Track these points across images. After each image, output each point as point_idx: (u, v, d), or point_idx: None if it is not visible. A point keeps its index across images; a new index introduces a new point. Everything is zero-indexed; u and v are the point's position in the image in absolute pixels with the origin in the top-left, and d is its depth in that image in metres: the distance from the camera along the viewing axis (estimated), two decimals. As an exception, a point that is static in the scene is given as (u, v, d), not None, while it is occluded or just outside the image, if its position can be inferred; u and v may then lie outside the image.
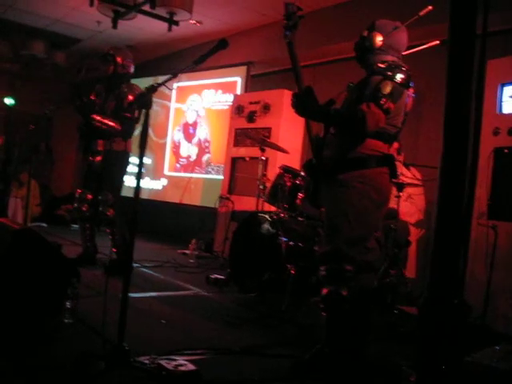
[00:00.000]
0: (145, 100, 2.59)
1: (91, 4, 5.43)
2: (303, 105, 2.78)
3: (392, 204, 4.52)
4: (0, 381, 2.33)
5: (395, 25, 2.95)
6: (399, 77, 2.75)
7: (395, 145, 4.65)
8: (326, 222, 2.94)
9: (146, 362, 2.50)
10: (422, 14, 2.92)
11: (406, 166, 4.86)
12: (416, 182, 4.77)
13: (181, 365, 2.51)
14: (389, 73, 2.75)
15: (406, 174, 4.76)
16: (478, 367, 2.63)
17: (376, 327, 3.63)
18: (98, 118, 5.00)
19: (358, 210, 2.79)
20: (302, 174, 4.52)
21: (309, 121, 3.05)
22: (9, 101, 8.34)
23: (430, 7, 2.91)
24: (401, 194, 4.45)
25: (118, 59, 5.13)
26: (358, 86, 2.93)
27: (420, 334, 1.21)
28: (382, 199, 2.92)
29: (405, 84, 2.79)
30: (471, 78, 1.21)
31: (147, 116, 2.51)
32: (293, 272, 4.21)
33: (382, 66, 2.82)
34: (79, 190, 5.29)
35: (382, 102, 2.69)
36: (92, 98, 5.27)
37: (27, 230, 3.49)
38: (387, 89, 2.72)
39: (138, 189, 2.58)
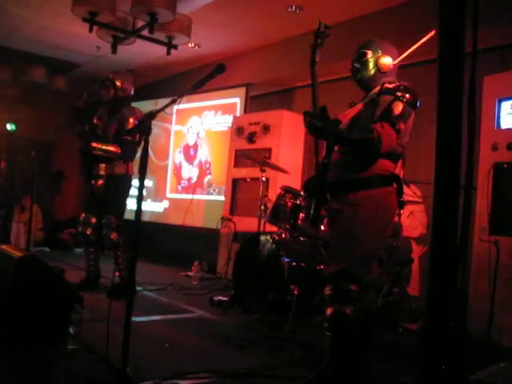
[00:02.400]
0: (144, 126, 2.62)
1: (90, 30, 5.47)
2: (316, 125, 2.75)
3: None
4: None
5: (395, 48, 3.01)
6: (408, 97, 2.77)
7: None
8: (334, 242, 2.92)
9: (150, 386, 2.50)
10: (425, 39, 2.94)
11: (406, 183, 4.87)
12: (416, 199, 4.78)
13: (185, 389, 2.50)
14: (398, 93, 2.77)
15: (406, 192, 4.77)
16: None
17: (381, 346, 3.63)
18: (97, 145, 5.05)
19: (368, 230, 2.78)
20: (303, 194, 4.53)
21: (318, 141, 3.03)
22: (10, 126, 8.40)
23: (433, 32, 2.92)
24: (401, 211, 4.45)
25: (118, 83, 5.18)
26: (366, 106, 2.93)
27: (421, 357, 1.21)
28: (390, 218, 2.93)
29: (413, 104, 2.81)
30: (461, 96, 1.23)
31: (147, 142, 2.53)
32: (296, 292, 4.21)
33: (390, 86, 2.85)
34: (83, 214, 5.31)
35: (395, 123, 2.72)
36: (95, 121, 5.32)
37: (30, 257, 3.49)
38: (399, 109, 2.74)
39: (139, 212, 2.59)
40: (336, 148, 2.96)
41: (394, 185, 2.90)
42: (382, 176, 2.84)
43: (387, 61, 2.95)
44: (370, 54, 2.98)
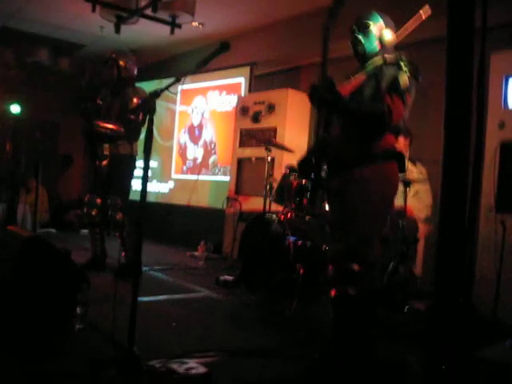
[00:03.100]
0: (148, 105, 2.60)
1: (93, 10, 5.45)
2: (326, 97, 2.70)
3: (399, 201, 4.52)
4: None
5: (393, 24, 2.95)
6: (412, 70, 2.73)
7: (405, 140, 4.65)
8: (338, 220, 2.89)
9: (158, 365, 2.51)
10: (424, 17, 2.87)
11: (413, 161, 4.85)
12: (422, 177, 4.75)
13: (192, 368, 2.52)
14: (403, 66, 2.72)
15: (413, 170, 4.75)
16: (487, 363, 2.63)
17: (386, 325, 3.64)
18: (101, 123, 5.03)
19: (372, 207, 2.76)
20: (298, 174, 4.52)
21: (321, 116, 2.96)
22: (15, 108, 8.39)
23: (429, 8, 2.86)
24: (408, 190, 4.43)
25: (121, 63, 5.15)
26: (368, 79, 2.84)
27: (428, 334, 1.21)
28: (393, 194, 2.92)
29: (416, 77, 2.76)
30: (471, 73, 1.21)
31: (151, 121, 2.52)
32: (301, 271, 4.21)
33: (393, 58, 2.78)
34: (88, 195, 5.31)
35: (403, 96, 2.69)
36: (98, 101, 5.30)
37: (36, 238, 3.50)
38: (406, 82, 2.70)
39: (144, 192, 2.59)
40: (337, 124, 2.90)
41: (396, 160, 2.87)
42: (385, 150, 2.80)
43: (391, 36, 2.88)
44: (373, 27, 2.90)
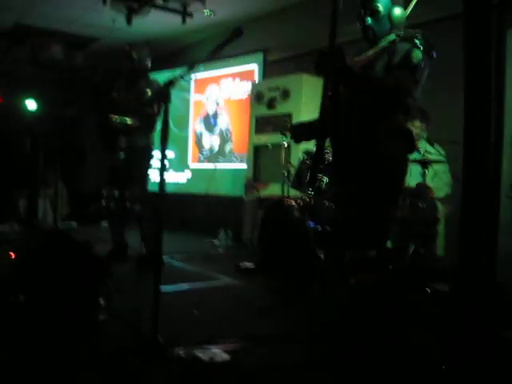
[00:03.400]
0: (163, 95, 2.60)
1: (104, 3, 5.45)
2: (335, 65, 2.60)
3: (419, 182, 4.49)
4: (39, 380, 2.38)
5: None
6: (426, 46, 2.66)
7: (422, 123, 4.60)
8: (352, 202, 2.80)
9: (182, 353, 2.53)
10: None
11: (430, 142, 4.81)
12: (441, 158, 4.71)
13: (216, 354, 2.53)
14: (417, 41, 2.65)
15: (431, 151, 4.71)
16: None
17: (409, 307, 3.62)
18: (117, 116, 5.04)
19: (388, 187, 2.73)
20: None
21: (327, 87, 2.82)
22: (31, 104, 8.45)
23: None
24: (426, 171, 4.39)
25: (134, 55, 5.15)
26: (380, 54, 2.78)
27: (452, 314, 1.20)
28: (402, 174, 2.87)
29: (430, 54, 2.69)
30: (490, 48, 1.19)
31: (166, 110, 2.52)
32: (322, 256, 4.20)
33: (406, 34, 2.73)
34: (107, 187, 5.34)
35: (415, 72, 2.63)
36: (113, 94, 5.31)
37: (58, 232, 3.54)
38: (419, 57, 2.64)
39: (162, 182, 2.59)
40: (344, 100, 2.82)
41: (406, 139, 2.81)
42: (396, 129, 2.75)
43: (400, 13, 2.79)
44: (382, 9, 2.79)
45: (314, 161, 2.95)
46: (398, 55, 2.68)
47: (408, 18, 2.88)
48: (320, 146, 2.89)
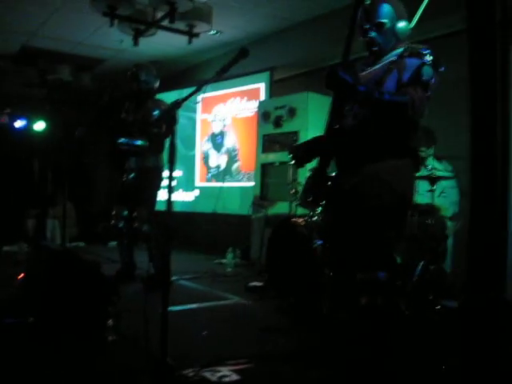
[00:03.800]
0: (170, 116, 2.61)
1: (111, 24, 5.49)
2: (346, 80, 2.55)
3: (426, 199, 4.47)
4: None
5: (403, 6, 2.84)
6: (435, 62, 2.63)
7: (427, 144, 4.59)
8: (358, 224, 2.75)
9: (191, 375, 2.52)
10: None
11: (438, 158, 4.80)
12: (448, 174, 4.69)
13: (225, 376, 2.52)
14: (427, 57, 2.62)
15: (438, 167, 4.69)
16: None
17: (420, 325, 3.59)
18: (125, 141, 5.07)
19: (392, 208, 2.70)
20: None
21: (334, 104, 2.82)
22: (39, 125, 8.51)
23: None
24: (434, 188, 4.38)
25: (142, 76, 5.19)
26: (388, 69, 2.72)
27: (462, 331, 1.19)
28: (410, 192, 2.85)
29: (437, 68, 2.66)
30: (495, 64, 1.19)
31: (173, 131, 2.53)
32: (330, 275, 4.18)
33: (415, 50, 2.69)
34: (115, 207, 5.36)
35: (427, 88, 2.60)
36: (122, 116, 5.35)
37: (66, 252, 3.54)
38: (429, 74, 2.61)
39: (169, 202, 2.60)
40: (350, 115, 2.80)
41: (412, 157, 2.79)
42: (402, 146, 2.72)
43: (405, 27, 2.76)
44: (387, 22, 2.75)
45: (317, 178, 2.90)
46: (408, 71, 2.64)
47: (412, 30, 2.86)
48: (324, 164, 2.87)
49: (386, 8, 2.76)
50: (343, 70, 2.57)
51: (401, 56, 2.72)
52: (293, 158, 3.10)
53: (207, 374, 2.51)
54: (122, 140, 5.08)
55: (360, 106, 2.76)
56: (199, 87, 2.67)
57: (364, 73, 2.85)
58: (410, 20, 2.85)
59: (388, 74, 2.72)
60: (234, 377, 2.53)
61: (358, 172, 2.77)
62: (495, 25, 1.18)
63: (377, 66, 2.81)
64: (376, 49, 2.80)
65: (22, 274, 4.04)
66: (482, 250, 1.03)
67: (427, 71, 2.62)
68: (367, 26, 2.78)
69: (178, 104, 2.59)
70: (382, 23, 2.75)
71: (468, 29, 1.18)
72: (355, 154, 2.79)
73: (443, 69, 2.70)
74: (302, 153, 3.05)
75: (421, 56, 2.65)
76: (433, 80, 2.63)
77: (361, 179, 2.75)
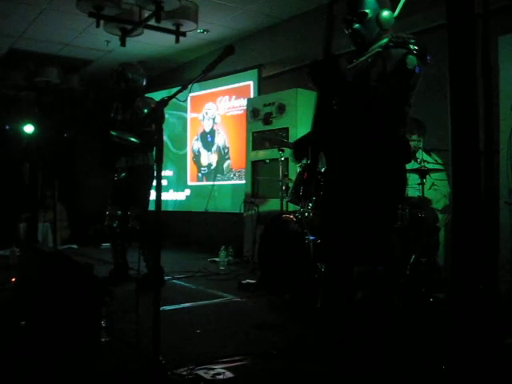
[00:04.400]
0: (157, 115, 2.60)
1: (98, 25, 5.47)
2: (327, 77, 2.59)
3: (416, 193, 4.49)
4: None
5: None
6: (420, 51, 2.63)
7: (418, 136, 4.60)
8: (352, 218, 2.75)
9: (184, 373, 2.51)
10: None
11: (427, 151, 4.81)
12: (438, 167, 4.71)
13: (219, 373, 2.51)
14: (411, 46, 2.62)
15: (428, 160, 4.70)
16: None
17: (413, 317, 3.61)
18: (117, 133, 5.06)
19: (384, 201, 2.70)
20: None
21: (320, 98, 2.85)
22: (29, 128, 8.47)
23: None
24: (424, 181, 4.39)
25: (129, 75, 5.18)
26: (373, 61, 2.73)
27: (451, 323, 1.19)
28: (403, 185, 2.85)
29: (423, 59, 2.66)
30: (474, 58, 1.19)
31: (160, 130, 2.52)
32: (323, 270, 4.19)
33: (400, 39, 2.70)
34: (108, 207, 5.35)
35: (410, 78, 2.60)
36: (112, 115, 5.34)
37: (57, 255, 3.53)
38: (414, 63, 2.60)
39: (158, 201, 2.58)
40: (336, 110, 2.80)
41: (402, 148, 2.78)
42: (391, 138, 2.72)
43: (389, 16, 2.74)
44: (369, 12, 2.74)
45: (308, 174, 2.90)
46: (392, 61, 2.64)
47: (396, 19, 2.85)
48: (314, 159, 2.87)
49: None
50: (324, 66, 2.60)
51: (386, 47, 2.72)
52: (293, 154, 3.07)
53: (201, 372, 2.50)
54: (113, 132, 5.06)
55: (344, 99, 2.76)
56: (185, 86, 2.66)
57: (350, 65, 2.86)
58: (393, 10, 2.84)
59: (373, 65, 2.72)
60: (228, 374, 2.52)
61: (346, 165, 2.77)
62: (474, 16, 1.18)
63: (362, 58, 2.81)
64: (360, 40, 2.81)
65: (14, 278, 4.03)
66: (465, 244, 1.04)
67: (411, 60, 2.61)
68: (350, 18, 2.79)
69: (164, 102, 2.58)
70: (365, 13, 2.74)
71: (448, 22, 1.18)
72: (342, 147, 2.79)
73: (429, 58, 2.69)
74: (299, 147, 3.05)
75: (406, 45, 2.65)
76: (417, 69, 2.62)
77: (349, 172, 2.75)
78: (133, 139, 5.05)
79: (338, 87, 2.64)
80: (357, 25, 2.77)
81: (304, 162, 3.18)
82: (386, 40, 2.75)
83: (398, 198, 2.83)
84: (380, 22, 2.74)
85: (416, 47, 2.63)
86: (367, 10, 2.74)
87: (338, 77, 2.60)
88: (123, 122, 5.23)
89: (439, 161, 4.83)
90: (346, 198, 2.81)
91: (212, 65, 2.67)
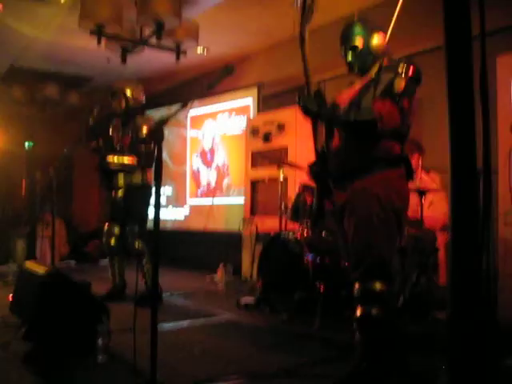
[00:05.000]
0: (157, 134, 2.61)
1: (99, 42, 5.51)
2: (311, 109, 2.73)
3: (415, 213, 4.48)
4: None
5: (372, 21, 2.93)
6: (410, 72, 2.67)
7: (418, 156, 4.62)
8: (351, 238, 2.79)
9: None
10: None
11: (426, 170, 4.82)
12: (436, 186, 4.72)
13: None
14: (399, 69, 2.67)
15: (426, 179, 4.71)
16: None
17: (412, 337, 3.59)
18: (114, 159, 5.09)
19: (384, 219, 2.71)
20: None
21: (315, 128, 2.95)
22: (26, 144, 8.49)
23: None
24: (423, 201, 4.39)
25: (128, 93, 5.20)
26: (366, 87, 2.81)
27: (450, 346, 1.18)
28: (404, 204, 2.85)
29: (416, 79, 2.71)
30: (471, 79, 1.19)
31: (160, 149, 2.52)
32: (322, 289, 4.18)
33: (390, 63, 2.77)
34: (107, 224, 5.35)
35: (398, 100, 2.63)
36: (110, 133, 5.35)
37: (55, 272, 3.52)
38: (401, 86, 2.64)
39: (157, 219, 2.58)
40: (336, 134, 2.87)
41: (403, 167, 2.80)
42: (388, 158, 2.74)
43: (380, 40, 2.84)
44: (360, 43, 2.85)
45: (320, 195, 2.95)
46: (381, 85, 2.71)
47: (388, 43, 2.92)
48: (323, 181, 2.93)
49: (355, 27, 2.88)
50: (307, 99, 2.78)
51: (377, 72, 2.79)
52: (310, 175, 3.13)
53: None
54: (110, 160, 5.09)
55: (330, 126, 2.89)
56: (184, 104, 2.67)
57: (345, 92, 2.93)
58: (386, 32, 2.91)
59: (366, 90, 2.79)
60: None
61: (348, 187, 2.79)
62: (471, 37, 1.19)
63: (356, 85, 2.91)
64: (357, 70, 2.92)
65: (11, 295, 4.01)
66: (463, 266, 1.03)
67: (398, 83, 2.66)
68: (344, 51, 2.93)
69: (163, 121, 2.59)
70: (355, 46, 2.87)
71: (445, 43, 1.19)
72: (344, 171, 2.84)
73: (419, 80, 2.72)
74: (317, 168, 3.09)
75: (393, 69, 2.72)
76: (406, 91, 2.66)
77: (351, 193, 2.78)
78: (130, 162, 5.07)
79: (322, 119, 2.82)
80: (350, 57, 2.90)
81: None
82: (377, 66, 2.83)
83: (396, 216, 2.82)
84: (371, 51, 2.86)
85: (407, 69, 2.68)
86: (357, 43, 2.86)
87: (319, 109, 2.74)
88: (122, 140, 5.25)
89: (437, 180, 4.83)
90: (345, 218, 2.83)
91: (211, 85, 2.70)
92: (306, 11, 2.81)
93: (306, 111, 2.77)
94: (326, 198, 2.96)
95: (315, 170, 3.03)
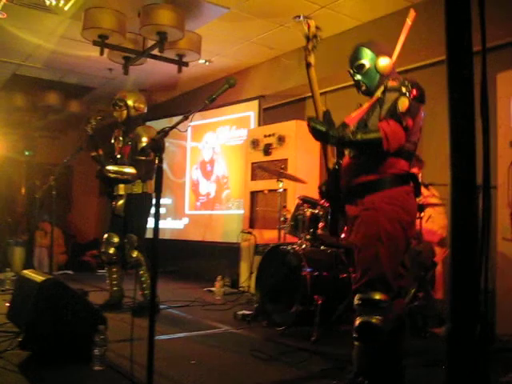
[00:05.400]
0: (157, 145, 2.62)
1: (101, 53, 5.54)
2: (320, 130, 2.79)
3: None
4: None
5: (382, 43, 2.99)
6: (414, 92, 2.71)
7: (418, 169, 4.64)
8: (357, 250, 2.82)
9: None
10: (410, 20, 2.91)
11: (425, 185, 4.83)
12: (435, 201, 4.73)
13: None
14: (403, 89, 2.72)
15: (425, 194, 4.72)
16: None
17: (409, 352, 3.58)
18: (113, 169, 5.10)
19: (391, 233, 2.72)
20: (321, 202, 4.49)
21: (325, 147, 3.04)
22: (26, 153, 8.53)
23: (413, 11, 2.91)
24: (422, 215, 4.40)
25: (130, 102, 5.22)
26: (372, 107, 2.87)
27: (448, 362, 1.18)
28: (411, 218, 2.87)
29: (420, 99, 2.75)
30: (472, 95, 1.20)
31: (160, 160, 2.53)
32: (319, 302, 4.17)
33: (394, 83, 2.81)
34: (106, 234, 5.35)
35: (402, 119, 2.68)
36: (112, 142, 5.37)
37: (52, 281, 3.51)
38: (405, 105, 2.69)
39: (156, 230, 2.59)
40: (346, 153, 2.94)
41: (411, 184, 2.85)
42: (395, 175, 2.78)
43: (386, 62, 2.90)
44: (367, 63, 2.92)
45: (333, 211, 3.02)
46: (386, 105, 2.76)
47: (395, 64, 2.96)
48: (335, 200, 3.02)
49: (362, 50, 2.96)
50: (316, 120, 2.87)
51: (384, 92, 2.84)
52: (322, 195, 3.25)
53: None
54: (109, 168, 5.11)
55: (338, 147, 2.97)
56: (186, 116, 2.69)
57: (354, 113, 2.99)
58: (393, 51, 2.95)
59: (372, 111, 2.85)
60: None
61: (358, 202, 2.84)
62: (472, 54, 1.20)
63: (364, 106, 2.96)
64: (364, 89, 2.98)
65: (8, 303, 4.01)
66: (463, 282, 1.04)
67: (403, 102, 2.71)
68: (351, 71, 3.00)
69: (164, 133, 2.61)
70: (362, 65, 2.93)
71: (447, 59, 1.20)
72: (353, 187, 2.88)
73: (422, 98, 2.77)
74: (329, 187, 3.15)
75: (397, 88, 2.76)
76: (410, 110, 2.70)
77: (361, 209, 2.81)
78: (130, 171, 5.08)
79: (330, 140, 2.84)
80: (358, 76, 2.97)
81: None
82: (384, 86, 2.87)
83: (404, 232, 2.83)
84: (379, 70, 2.91)
85: (411, 89, 2.72)
86: (364, 62, 2.93)
87: (327, 130, 2.79)
88: (123, 150, 5.26)
89: (436, 195, 4.85)
90: (354, 232, 2.87)
91: (213, 98, 2.75)
92: (311, 38, 2.89)
93: (315, 132, 2.82)
94: (339, 216, 3.01)
95: (326, 189, 3.08)
